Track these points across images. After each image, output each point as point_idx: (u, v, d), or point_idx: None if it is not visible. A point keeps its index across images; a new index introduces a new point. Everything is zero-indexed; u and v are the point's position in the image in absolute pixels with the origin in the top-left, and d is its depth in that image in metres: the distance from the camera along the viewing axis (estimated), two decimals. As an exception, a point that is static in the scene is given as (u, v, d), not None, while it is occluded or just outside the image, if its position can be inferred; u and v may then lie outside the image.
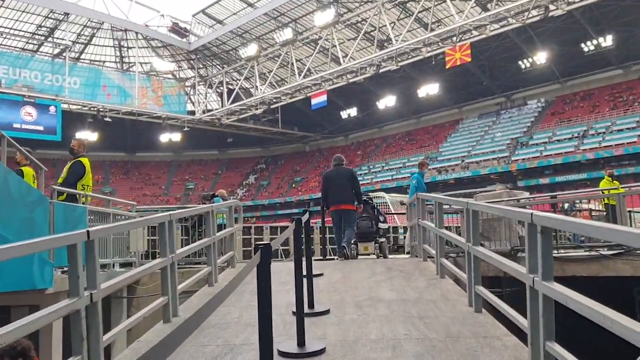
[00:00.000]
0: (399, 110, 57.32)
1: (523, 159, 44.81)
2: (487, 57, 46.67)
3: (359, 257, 9.99)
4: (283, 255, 14.88)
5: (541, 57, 45.42)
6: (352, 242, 9.61)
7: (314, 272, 6.01)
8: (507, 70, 49.73)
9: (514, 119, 51.75)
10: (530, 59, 46.72)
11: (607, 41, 41.76)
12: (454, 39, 39.24)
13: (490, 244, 9.38)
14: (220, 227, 11.66)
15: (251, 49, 48.60)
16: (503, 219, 9.30)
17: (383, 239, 10.34)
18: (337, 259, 9.55)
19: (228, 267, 8.39)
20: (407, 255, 10.44)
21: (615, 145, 39.52)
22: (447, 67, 39.47)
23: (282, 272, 6.99)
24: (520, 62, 47.94)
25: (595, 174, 40.66)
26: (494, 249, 8.83)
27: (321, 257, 8.97)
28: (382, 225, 10.50)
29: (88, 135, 59.90)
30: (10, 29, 49.36)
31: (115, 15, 50.76)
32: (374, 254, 10.11)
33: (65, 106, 51.99)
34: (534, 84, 50.61)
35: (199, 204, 13.22)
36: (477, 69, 49.02)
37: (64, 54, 49.93)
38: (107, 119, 53.88)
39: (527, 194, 12.94)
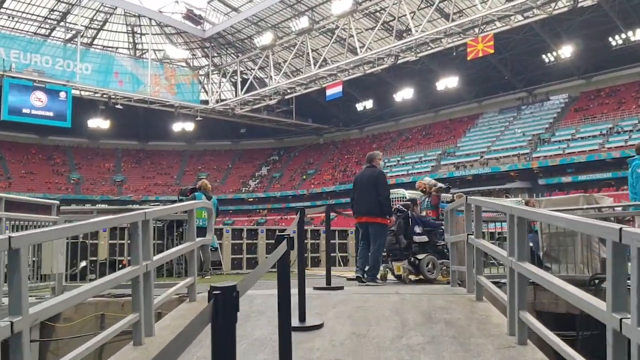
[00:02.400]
0: (416, 104, 55.87)
1: (545, 156, 43.28)
2: (509, 50, 45.08)
3: (389, 279, 8.26)
4: None
5: (566, 51, 43.72)
6: (383, 263, 7.93)
7: (311, 318, 4.67)
8: (529, 64, 48.08)
9: (536, 115, 50.12)
10: (554, 53, 45.02)
11: (637, 35, 39.97)
12: (477, 29, 37.75)
13: (559, 268, 7.32)
14: (201, 232, 10.00)
15: (266, 38, 47.41)
16: (579, 235, 7.10)
17: (423, 256, 8.09)
18: (358, 279, 7.74)
19: (186, 299, 5.69)
20: (442, 278, 8.09)
21: (643, 143, 37.83)
22: (468, 58, 37.97)
23: (262, 316, 4.95)
24: (543, 56, 46.24)
25: (620, 173, 39.05)
26: (565, 275, 6.79)
27: (325, 285, 6.65)
28: (418, 239, 8.25)
29: (100, 123, 59.52)
30: (23, 12, 48.61)
31: (129, 1, 49.78)
32: (403, 276, 8.00)
33: (76, 92, 51.27)
34: (557, 79, 48.90)
35: (176, 201, 10.97)
36: (498, 62, 47.43)
37: (75, 39, 49.03)
38: (118, 106, 53.12)
39: (610, 200, 9.69)
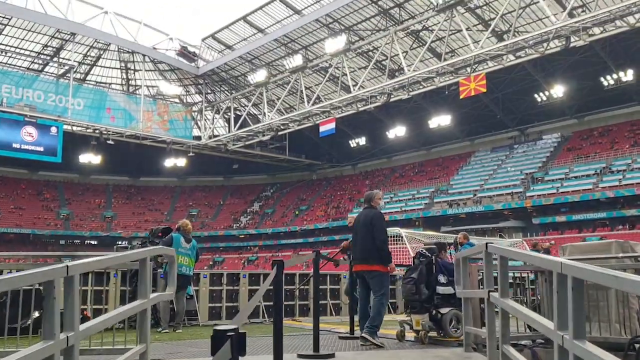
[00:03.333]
0: (408, 141, 55.85)
1: (538, 195, 43.07)
2: (501, 89, 45.28)
3: (407, 337, 7.15)
4: (265, 315, 11.36)
5: (558, 91, 43.99)
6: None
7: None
8: (521, 103, 48.27)
9: (529, 154, 50.12)
10: (546, 92, 45.29)
11: (628, 76, 40.31)
12: (469, 69, 37.93)
13: (590, 327, 5.94)
14: (186, 280, 9.04)
15: (260, 75, 47.50)
16: (614, 289, 5.66)
17: (447, 310, 6.97)
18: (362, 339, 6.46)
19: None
20: (453, 338, 6.89)
21: (637, 183, 37.73)
22: (461, 97, 38.01)
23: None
24: (535, 95, 46.49)
25: (615, 213, 38.93)
26: (597, 337, 5.71)
27: (313, 353, 5.55)
28: (442, 290, 7.10)
29: (91, 158, 59.07)
30: (16, 48, 48.58)
31: (123, 37, 49.87)
32: (420, 335, 6.90)
33: (68, 127, 51.04)
34: (549, 118, 49.08)
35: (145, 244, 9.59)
36: (490, 101, 47.58)
37: (68, 75, 48.98)
38: (110, 142, 52.72)
39: None
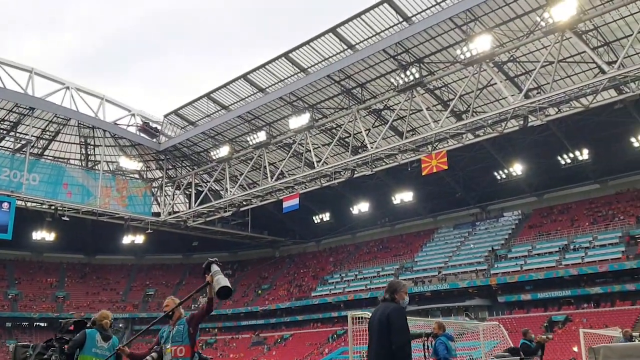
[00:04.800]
0: (373, 217, 55.62)
1: (503, 273, 42.82)
2: (462, 167, 45.90)
3: None
4: None
5: (517, 169, 44.86)
6: None
7: None
8: (482, 180, 48.96)
9: (491, 231, 50.35)
10: (506, 171, 46.10)
11: (584, 155, 41.45)
12: (429, 147, 38.42)
13: None
14: None
15: (223, 151, 47.11)
16: None
17: None
18: None
19: None
20: None
21: (599, 261, 37.93)
22: (423, 173, 38.23)
23: None
24: (495, 173, 47.27)
25: (579, 291, 38.83)
26: None
27: None
28: None
29: (45, 235, 56.79)
30: (-29, 121, 47.38)
31: (84, 112, 49.30)
32: None
33: (21, 203, 49.19)
34: (510, 196, 49.76)
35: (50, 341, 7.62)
36: (451, 178, 48.11)
37: (24, 149, 47.72)
38: (65, 218, 50.84)
39: None
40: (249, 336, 58.96)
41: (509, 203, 50.76)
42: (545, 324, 37.91)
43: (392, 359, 5.00)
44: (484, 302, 43.97)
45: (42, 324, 59.24)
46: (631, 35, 29.16)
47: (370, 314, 5.50)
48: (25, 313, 58.26)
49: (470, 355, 23.78)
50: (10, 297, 59.98)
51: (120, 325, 62.38)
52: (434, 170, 37.98)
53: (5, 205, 45.98)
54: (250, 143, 45.19)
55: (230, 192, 48.54)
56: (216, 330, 61.51)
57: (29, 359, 7.35)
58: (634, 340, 10.56)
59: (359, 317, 15.47)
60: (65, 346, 6.73)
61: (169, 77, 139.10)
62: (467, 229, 52.66)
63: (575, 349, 29.09)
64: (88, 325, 7.15)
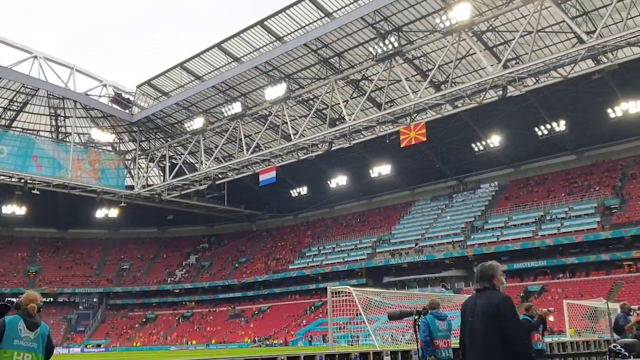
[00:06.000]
0: (350, 190, 55.32)
1: (479, 244, 43.04)
2: (440, 139, 45.61)
3: None
4: None
5: (495, 141, 44.73)
6: None
7: None
8: (460, 153, 48.82)
9: (468, 203, 50.47)
10: (483, 142, 45.94)
11: (561, 126, 41.43)
12: (408, 118, 37.97)
13: None
14: None
15: (197, 123, 46.05)
16: None
17: None
18: None
19: None
20: None
21: (575, 231, 38.22)
22: (401, 145, 37.79)
23: None
24: (473, 145, 47.10)
25: (555, 261, 39.19)
26: None
27: None
28: None
29: (15, 209, 55.42)
30: None
31: (53, 82, 47.61)
32: None
33: (-12, 176, 47.77)
34: (487, 168, 49.83)
35: None
36: (429, 151, 47.86)
37: (-9, 121, 46.14)
38: (35, 192, 49.46)
39: None
40: (227, 309, 58.74)
41: (486, 175, 50.87)
42: (521, 294, 38.26)
43: (507, 358, 3.99)
44: (460, 272, 44.28)
45: (14, 299, 58.15)
46: (610, 4, 28.83)
47: (462, 305, 4.39)
48: (-4, 288, 57.20)
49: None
50: (-20, 273, 58.72)
51: (95, 300, 61.71)
52: (413, 142, 37.57)
53: (-29, 178, 44.53)
54: (225, 114, 44.21)
55: (206, 164, 47.67)
56: (193, 303, 61.17)
57: None
58: (632, 314, 10.26)
59: (337, 292, 15.10)
60: None
61: (145, 55, 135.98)
62: (444, 201, 52.73)
63: (552, 318, 29.29)
64: (11, 310, 5.31)
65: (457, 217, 48.68)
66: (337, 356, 8.51)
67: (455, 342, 5.79)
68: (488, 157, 47.49)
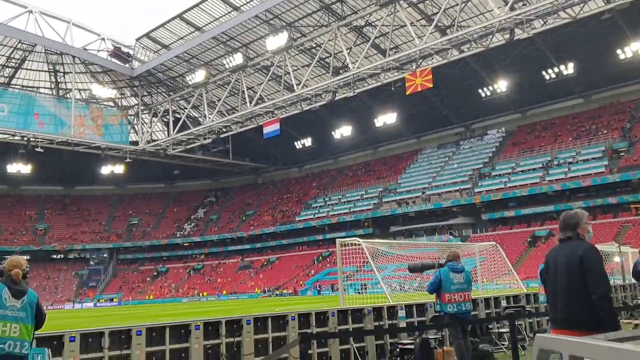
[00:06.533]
0: (355, 141, 54.83)
1: (487, 191, 42.88)
2: (446, 86, 44.79)
3: None
4: None
5: (502, 86, 43.89)
6: None
7: None
8: (466, 99, 47.99)
9: (475, 149, 50.07)
10: (490, 88, 45.11)
11: (569, 69, 40.56)
12: (414, 64, 37.18)
13: None
14: None
15: (199, 75, 45.36)
16: None
17: None
18: None
19: None
20: None
21: (582, 175, 37.94)
22: (407, 92, 37.07)
23: None
24: (480, 91, 46.29)
25: (562, 206, 38.97)
26: None
27: None
28: None
29: (20, 167, 55.40)
30: None
31: (50, 37, 46.67)
32: None
33: (-9, 135, 47.56)
34: (494, 114, 49.15)
35: None
36: (435, 98, 47.15)
37: (-11, 78, 45.53)
38: (39, 149, 49.27)
39: None
40: (236, 261, 59.40)
41: (493, 121, 50.25)
42: (528, 239, 38.33)
43: (589, 312, 3.83)
44: (468, 220, 44.29)
45: (25, 257, 58.88)
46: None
47: (545, 256, 4.18)
48: (6, 247, 57.59)
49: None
50: (-10, 231, 59.29)
51: (105, 256, 62.41)
52: (419, 89, 36.85)
53: (-26, 137, 44.31)
54: (227, 66, 43.48)
55: (209, 118, 47.21)
56: (203, 256, 61.85)
57: None
58: None
59: (346, 244, 14.91)
60: None
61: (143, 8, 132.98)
62: (451, 148, 52.33)
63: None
64: None
65: (465, 164, 48.39)
66: (349, 312, 8.37)
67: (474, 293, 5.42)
68: (495, 102, 46.73)
